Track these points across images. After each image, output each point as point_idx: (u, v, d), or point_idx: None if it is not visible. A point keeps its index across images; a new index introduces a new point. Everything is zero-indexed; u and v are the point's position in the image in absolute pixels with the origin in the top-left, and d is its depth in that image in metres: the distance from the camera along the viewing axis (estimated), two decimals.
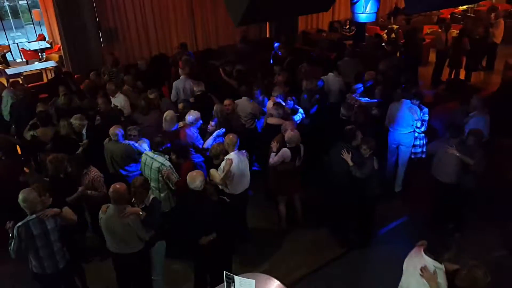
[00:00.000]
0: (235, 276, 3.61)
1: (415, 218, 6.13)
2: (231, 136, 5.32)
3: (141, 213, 4.31)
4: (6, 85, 8.12)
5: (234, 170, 5.25)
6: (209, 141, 5.97)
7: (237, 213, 5.49)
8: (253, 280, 3.56)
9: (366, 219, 5.73)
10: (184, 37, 12.23)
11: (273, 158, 5.58)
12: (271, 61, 10.02)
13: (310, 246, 5.83)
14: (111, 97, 7.26)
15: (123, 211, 4.26)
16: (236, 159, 5.25)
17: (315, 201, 6.32)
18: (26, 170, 5.92)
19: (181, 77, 7.94)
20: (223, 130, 5.99)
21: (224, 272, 3.69)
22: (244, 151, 5.46)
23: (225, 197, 4.82)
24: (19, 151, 6.77)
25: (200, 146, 6.07)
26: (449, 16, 14.97)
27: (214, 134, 6.00)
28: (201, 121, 6.20)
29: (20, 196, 4.10)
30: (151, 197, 4.53)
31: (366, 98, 6.99)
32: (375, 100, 6.92)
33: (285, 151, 5.54)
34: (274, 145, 5.63)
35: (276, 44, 10.61)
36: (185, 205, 4.77)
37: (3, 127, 7.56)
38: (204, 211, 4.45)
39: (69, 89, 7.80)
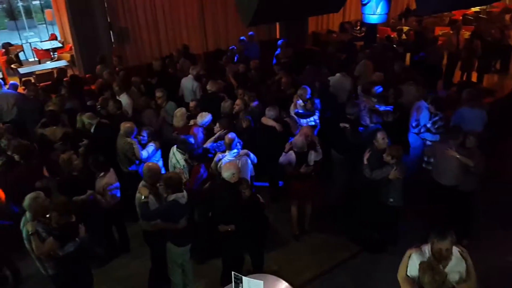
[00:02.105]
0: (243, 277, 3.62)
1: (422, 222, 6.05)
2: (229, 136, 5.38)
3: (143, 197, 4.46)
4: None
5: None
6: (210, 142, 5.92)
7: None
8: (261, 282, 3.56)
9: (383, 223, 5.63)
10: (195, 38, 12.29)
11: (281, 158, 5.59)
12: (274, 61, 9.99)
13: (320, 247, 5.80)
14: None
15: (140, 187, 4.58)
16: (226, 158, 5.30)
17: (326, 200, 6.30)
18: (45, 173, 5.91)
19: (189, 76, 8.04)
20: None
21: (233, 272, 3.70)
22: (244, 155, 5.45)
23: (259, 196, 4.91)
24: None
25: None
26: (461, 18, 14.82)
27: (216, 135, 5.94)
28: (209, 121, 6.20)
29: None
30: (172, 197, 4.45)
31: (384, 106, 6.77)
32: (390, 108, 6.79)
33: (290, 154, 5.52)
34: (287, 145, 5.62)
35: (280, 42, 10.60)
36: (213, 192, 4.90)
37: None
38: (229, 202, 4.60)
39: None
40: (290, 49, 10.26)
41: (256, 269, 5.07)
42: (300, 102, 6.80)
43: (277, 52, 10.23)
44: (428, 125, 6.18)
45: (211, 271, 5.29)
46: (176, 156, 5.44)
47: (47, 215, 4.19)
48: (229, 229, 4.61)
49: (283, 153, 5.59)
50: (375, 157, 5.24)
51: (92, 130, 6.27)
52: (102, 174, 5.15)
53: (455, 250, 3.54)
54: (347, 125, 6.11)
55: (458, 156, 5.22)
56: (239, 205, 4.62)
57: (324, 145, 6.31)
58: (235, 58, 9.92)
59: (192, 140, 5.55)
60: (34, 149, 5.78)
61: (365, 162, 5.29)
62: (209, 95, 7.29)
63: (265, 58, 10.30)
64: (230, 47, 10.63)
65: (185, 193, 4.51)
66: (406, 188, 5.29)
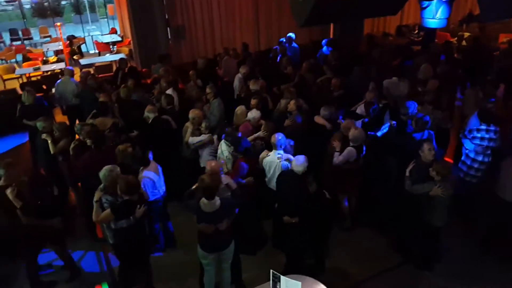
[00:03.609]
0: (281, 276, 3.63)
1: (474, 236, 5.79)
2: (275, 136, 5.38)
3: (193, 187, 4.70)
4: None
5: (265, 166, 5.45)
6: (248, 139, 5.91)
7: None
8: (300, 282, 3.55)
9: (424, 239, 5.33)
10: (248, 36, 12.42)
11: (338, 158, 5.44)
12: (318, 60, 9.92)
13: (362, 255, 5.67)
14: None
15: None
16: (269, 157, 5.37)
17: (372, 203, 6.19)
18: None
19: (238, 74, 8.30)
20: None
21: (271, 271, 3.72)
22: (285, 157, 5.33)
23: (326, 192, 4.96)
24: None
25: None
26: None
27: (254, 135, 5.94)
28: (255, 119, 6.24)
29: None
30: (217, 202, 4.30)
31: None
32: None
33: (351, 150, 5.42)
34: (336, 144, 5.50)
35: (324, 41, 10.51)
36: (280, 183, 5.05)
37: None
38: (293, 194, 4.73)
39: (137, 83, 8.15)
40: (338, 51, 10.10)
41: (318, 267, 5.20)
42: (362, 109, 6.72)
43: (322, 50, 10.28)
44: (465, 132, 5.90)
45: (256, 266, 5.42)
46: (222, 147, 5.57)
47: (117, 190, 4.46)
48: (293, 221, 4.73)
49: (336, 153, 5.46)
50: (419, 170, 4.91)
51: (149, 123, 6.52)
52: (141, 168, 5.24)
53: None
54: (394, 122, 5.97)
55: None
56: (305, 197, 4.71)
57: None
58: (277, 59, 9.97)
59: (239, 134, 5.68)
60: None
61: (407, 173, 4.98)
62: (251, 94, 7.26)
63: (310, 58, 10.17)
64: (274, 47, 10.70)
65: (216, 201, 4.24)
66: (455, 202, 4.99)
